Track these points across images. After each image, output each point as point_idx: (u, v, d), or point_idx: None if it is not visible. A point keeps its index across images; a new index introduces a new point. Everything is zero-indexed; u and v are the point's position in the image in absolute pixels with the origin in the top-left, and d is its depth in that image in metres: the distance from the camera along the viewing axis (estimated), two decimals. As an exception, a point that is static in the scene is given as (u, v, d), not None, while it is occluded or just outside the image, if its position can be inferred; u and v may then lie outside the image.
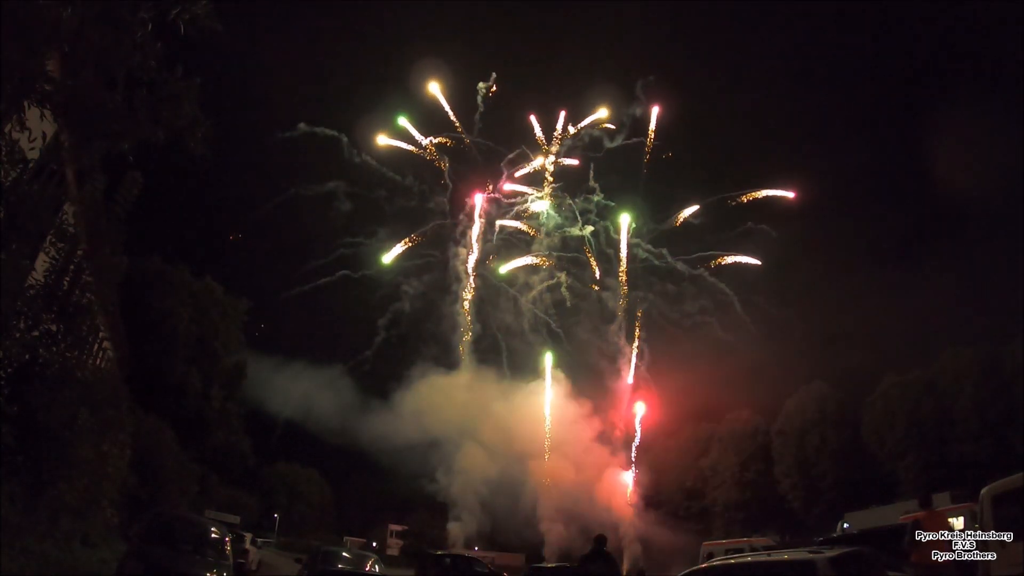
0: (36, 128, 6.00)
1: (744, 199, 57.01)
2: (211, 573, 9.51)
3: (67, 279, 10.98)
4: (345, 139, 56.57)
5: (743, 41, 72.86)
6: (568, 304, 57.08)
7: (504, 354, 57.20)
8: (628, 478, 53.26)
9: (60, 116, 5.88)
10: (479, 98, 57.11)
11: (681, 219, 57.49)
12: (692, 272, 57.15)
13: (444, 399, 52.81)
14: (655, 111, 57.54)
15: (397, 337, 57.53)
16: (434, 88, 56.81)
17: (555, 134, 57.13)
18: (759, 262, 56.30)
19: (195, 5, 5.24)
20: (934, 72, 63.91)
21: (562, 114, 57.51)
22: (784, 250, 56.14)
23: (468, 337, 55.34)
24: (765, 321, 55.42)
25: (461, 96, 57.69)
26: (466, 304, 56.04)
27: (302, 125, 56.17)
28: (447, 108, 56.63)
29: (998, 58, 52.77)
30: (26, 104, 5.33)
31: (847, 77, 71.05)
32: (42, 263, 10.05)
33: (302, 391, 54.53)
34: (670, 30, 69.06)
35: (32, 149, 6.18)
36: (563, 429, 52.74)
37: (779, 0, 62.57)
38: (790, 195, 56.62)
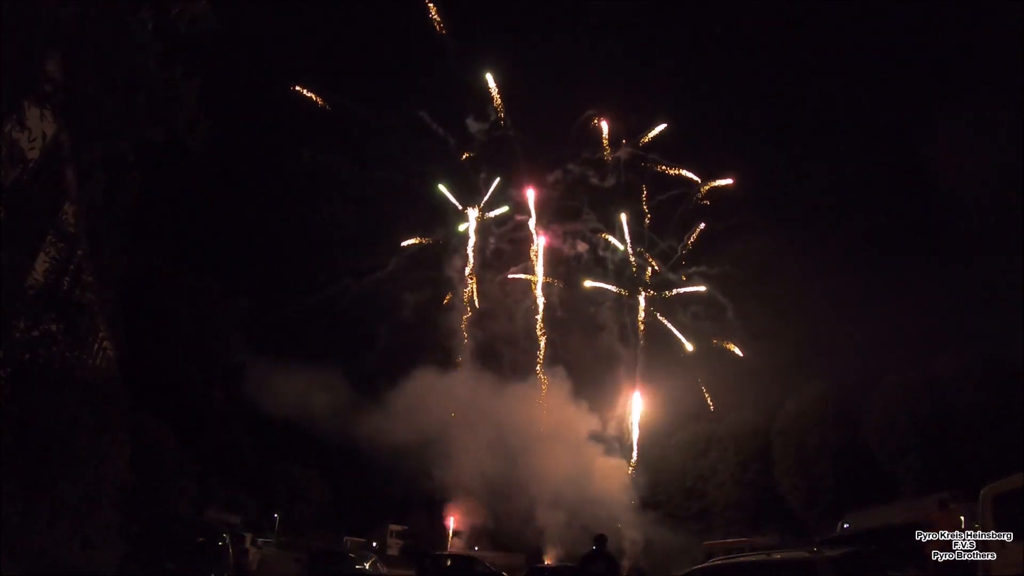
0: (36, 128, 6.00)
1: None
2: (211, 573, 9.51)
3: (67, 279, 10.97)
4: (348, 166, 56.93)
5: (734, 37, 72.79)
6: (559, 313, 57.13)
7: (505, 360, 57.47)
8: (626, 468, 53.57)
9: (60, 116, 5.87)
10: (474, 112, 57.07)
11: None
12: (684, 283, 57.35)
13: (441, 398, 53.25)
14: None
15: (397, 342, 57.84)
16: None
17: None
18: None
19: (195, 5, 5.24)
20: (933, 69, 63.91)
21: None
22: (783, 251, 56.25)
23: (467, 342, 55.60)
24: (759, 326, 55.58)
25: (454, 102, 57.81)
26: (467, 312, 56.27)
27: (306, 153, 56.71)
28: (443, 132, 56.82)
29: (998, 55, 52.78)
30: (26, 104, 5.34)
31: (845, 77, 71.04)
32: (42, 263, 10.04)
33: (302, 391, 54.59)
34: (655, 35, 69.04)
35: (32, 149, 6.17)
36: (560, 424, 53.14)
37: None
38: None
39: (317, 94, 54.24)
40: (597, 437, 53.93)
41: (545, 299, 56.66)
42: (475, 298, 57.39)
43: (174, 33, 5.33)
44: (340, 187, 58.29)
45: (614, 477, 51.99)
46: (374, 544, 55.37)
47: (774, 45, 68.67)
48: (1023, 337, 36.17)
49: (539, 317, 55.85)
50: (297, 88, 54.09)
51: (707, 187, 57.02)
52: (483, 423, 52.62)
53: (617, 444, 54.37)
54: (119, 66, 5.35)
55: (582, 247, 57.91)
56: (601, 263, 58.36)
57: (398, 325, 57.92)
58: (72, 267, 11.11)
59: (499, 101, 55.47)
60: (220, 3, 5.44)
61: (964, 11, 52.29)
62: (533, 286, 56.98)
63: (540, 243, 57.08)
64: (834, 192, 68.24)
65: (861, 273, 60.37)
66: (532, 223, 57.05)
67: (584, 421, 53.77)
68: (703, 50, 74.94)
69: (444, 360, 55.98)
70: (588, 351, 56.62)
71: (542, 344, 55.37)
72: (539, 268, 56.97)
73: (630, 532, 48.27)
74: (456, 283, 57.90)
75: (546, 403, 54.21)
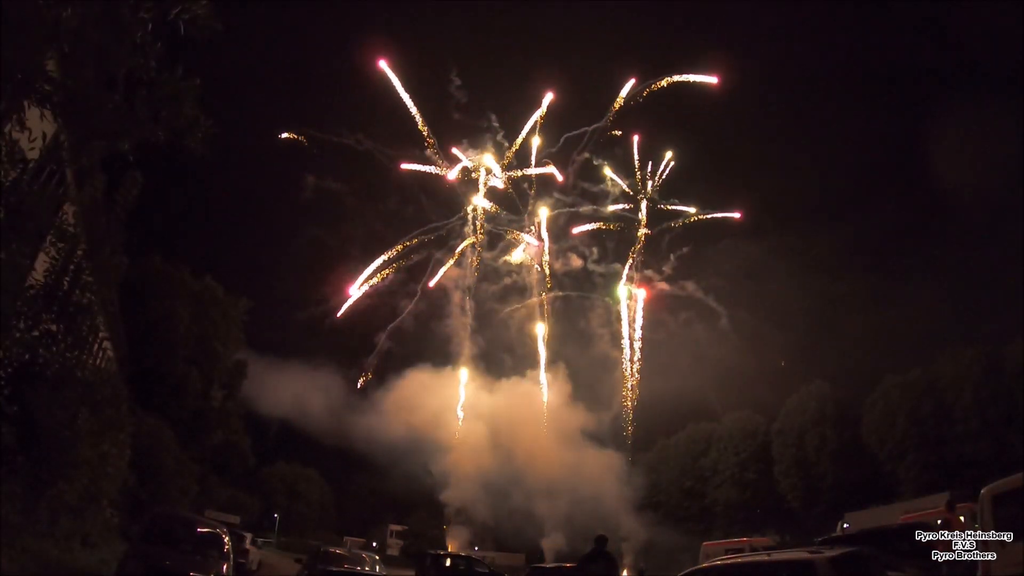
0: (36, 128, 6.00)
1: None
2: (211, 573, 9.51)
3: (67, 279, 10.98)
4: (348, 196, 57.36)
5: (732, 35, 72.84)
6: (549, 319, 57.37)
7: (504, 361, 57.76)
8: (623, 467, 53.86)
9: (60, 116, 5.87)
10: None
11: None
12: (681, 290, 57.75)
13: (439, 397, 53.59)
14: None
15: (396, 346, 58.32)
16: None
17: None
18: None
19: (195, 5, 5.23)
20: (933, 69, 63.94)
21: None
22: (782, 253, 56.32)
23: (466, 349, 55.89)
24: (751, 331, 55.92)
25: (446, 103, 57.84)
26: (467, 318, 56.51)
27: (311, 178, 57.33)
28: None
29: (997, 54, 52.82)
30: (26, 104, 5.33)
31: (841, 76, 71.05)
32: (42, 263, 10.05)
33: (301, 391, 54.71)
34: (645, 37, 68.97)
35: (32, 149, 6.17)
36: (556, 423, 53.58)
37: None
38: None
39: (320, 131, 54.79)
40: (594, 436, 54.32)
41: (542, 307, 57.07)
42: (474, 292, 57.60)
43: (174, 33, 5.31)
44: (344, 210, 58.66)
45: (609, 470, 52.31)
46: (374, 544, 55.37)
47: (770, 44, 68.74)
48: (1023, 337, 36.09)
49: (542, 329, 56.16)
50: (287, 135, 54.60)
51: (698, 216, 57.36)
52: (481, 421, 52.98)
53: (612, 442, 54.73)
54: (119, 66, 5.34)
55: (577, 262, 58.61)
56: (590, 277, 59.07)
57: (398, 330, 58.36)
58: (72, 267, 11.12)
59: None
60: (223, 4, 5.44)
61: (961, 9, 52.35)
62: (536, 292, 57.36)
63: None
64: (834, 193, 68.44)
65: (861, 274, 60.49)
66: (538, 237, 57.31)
67: (581, 418, 54.21)
68: (697, 49, 74.92)
69: (443, 361, 56.24)
70: (584, 354, 57.12)
71: (541, 347, 55.63)
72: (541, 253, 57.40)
73: (625, 520, 48.49)
74: (452, 290, 58.27)
75: (546, 401, 54.48)
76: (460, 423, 52.92)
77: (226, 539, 10.71)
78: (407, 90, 53.79)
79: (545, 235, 57.61)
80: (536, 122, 55.99)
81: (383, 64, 53.42)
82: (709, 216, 57.78)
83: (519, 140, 56.27)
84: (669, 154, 57.26)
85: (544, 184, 58.13)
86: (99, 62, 5.37)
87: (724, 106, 59.55)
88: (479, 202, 57.04)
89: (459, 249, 57.17)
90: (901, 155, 68.13)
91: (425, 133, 55.08)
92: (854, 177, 67.01)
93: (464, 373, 55.41)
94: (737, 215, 57.97)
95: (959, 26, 55.50)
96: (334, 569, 14.12)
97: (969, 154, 44.79)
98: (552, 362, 55.78)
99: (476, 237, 57.11)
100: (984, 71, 57.46)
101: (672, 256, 57.91)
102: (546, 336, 56.05)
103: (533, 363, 55.97)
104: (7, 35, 4.77)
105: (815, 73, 70.77)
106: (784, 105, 70.51)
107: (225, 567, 9.99)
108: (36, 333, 8.74)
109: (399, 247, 56.48)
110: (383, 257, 56.36)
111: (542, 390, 54.52)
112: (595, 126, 56.62)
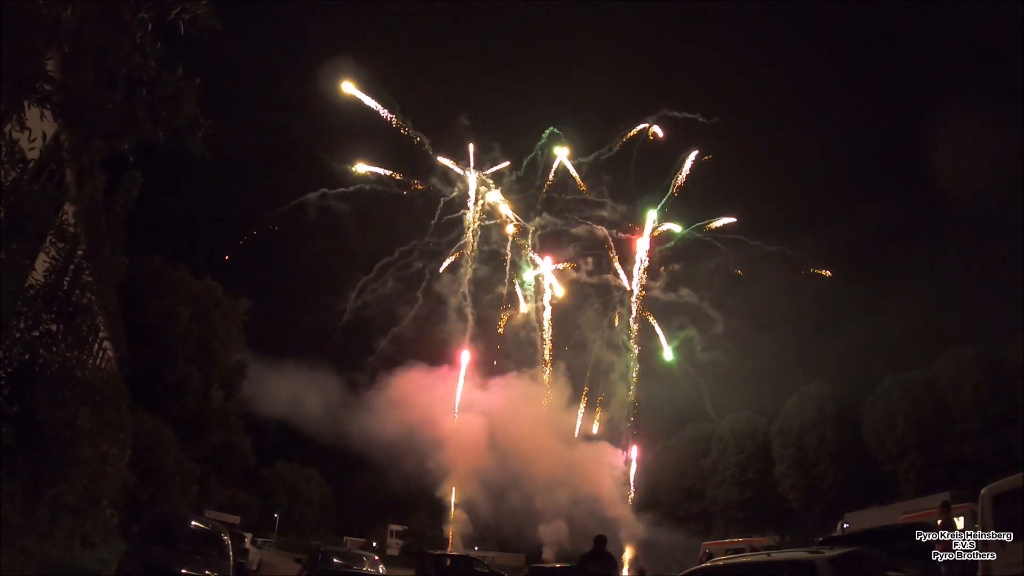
0: (36, 128, 5.99)
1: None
2: (211, 573, 9.50)
3: (67, 279, 10.99)
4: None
5: (729, 34, 72.92)
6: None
7: (501, 362, 57.98)
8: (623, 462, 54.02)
9: (60, 116, 5.87)
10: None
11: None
12: (679, 297, 58.03)
13: (436, 395, 53.81)
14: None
15: (397, 347, 58.59)
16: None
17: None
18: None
19: (195, 5, 5.23)
20: (931, 69, 63.93)
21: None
22: (782, 254, 56.32)
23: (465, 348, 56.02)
24: (750, 333, 56.15)
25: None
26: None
27: (323, 190, 57.62)
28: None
29: (997, 53, 52.80)
30: (26, 104, 5.33)
31: (840, 76, 70.96)
32: (42, 263, 10.04)
33: (301, 391, 54.76)
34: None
35: (32, 149, 6.17)
36: (555, 422, 53.79)
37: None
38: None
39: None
40: (592, 437, 54.56)
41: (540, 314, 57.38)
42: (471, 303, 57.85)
43: (174, 33, 5.31)
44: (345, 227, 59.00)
45: (608, 467, 52.45)
46: (374, 544, 55.38)
47: (766, 45, 68.73)
48: (1023, 337, 36.09)
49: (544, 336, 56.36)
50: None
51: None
52: (478, 416, 53.16)
53: (611, 441, 54.91)
54: (119, 66, 5.34)
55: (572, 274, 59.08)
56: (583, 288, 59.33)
57: (397, 334, 58.66)
58: (72, 267, 11.12)
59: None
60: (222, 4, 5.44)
61: (961, 8, 52.36)
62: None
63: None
64: (833, 192, 68.45)
65: (861, 274, 60.49)
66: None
67: (580, 418, 54.47)
68: (695, 50, 75.00)
69: (440, 362, 56.46)
70: (582, 356, 57.44)
71: (540, 346, 55.85)
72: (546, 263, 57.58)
73: (624, 518, 48.58)
74: (449, 296, 58.50)
75: (544, 402, 54.66)
76: (456, 417, 53.15)
77: (226, 539, 10.71)
78: (417, 126, 54.30)
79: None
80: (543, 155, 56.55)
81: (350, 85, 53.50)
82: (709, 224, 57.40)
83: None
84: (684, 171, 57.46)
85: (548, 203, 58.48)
86: (99, 62, 5.37)
87: (722, 110, 59.65)
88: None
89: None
90: (900, 155, 68.18)
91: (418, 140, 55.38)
92: (854, 177, 67.05)
93: (462, 371, 55.60)
94: (732, 219, 58.18)
95: (958, 26, 55.55)
96: (334, 569, 14.13)
97: (968, 154, 44.79)
98: (550, 363, 56.05)
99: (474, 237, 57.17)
100: (984, 70, 57.46)
101: (663, 270, 58.22)
102: (543, 340, 56.29)
103: (531, 364, 56.20)
104: (7, 35, 4.77)
105: (811, 74, 70.89)
106: (781, 107, 70.52)
107: (225, 567, 9.99)
108: (36, 333, 8.73)
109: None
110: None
111: (541, 389, 54.74)
112: (596, 153, 57.36)
